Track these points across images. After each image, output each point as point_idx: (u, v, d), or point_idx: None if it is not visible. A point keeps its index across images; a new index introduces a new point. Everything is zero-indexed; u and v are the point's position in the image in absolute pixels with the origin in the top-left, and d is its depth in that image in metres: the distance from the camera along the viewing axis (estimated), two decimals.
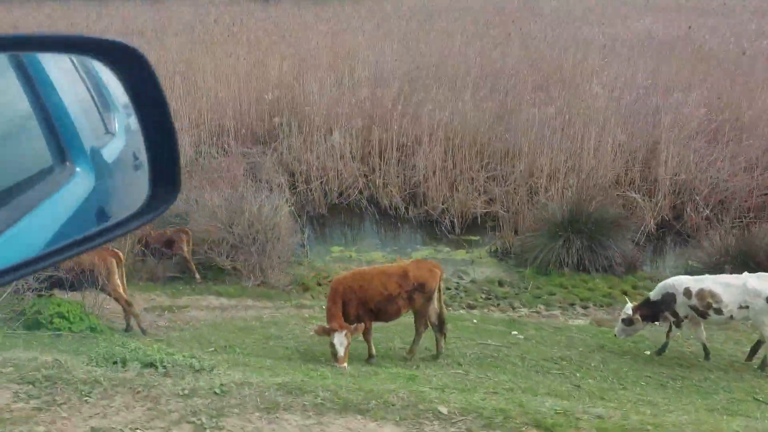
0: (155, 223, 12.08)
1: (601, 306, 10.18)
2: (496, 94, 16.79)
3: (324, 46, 22.18)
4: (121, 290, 7.30)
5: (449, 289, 11.07)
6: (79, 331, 6.53)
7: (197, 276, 10.91)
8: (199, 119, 17.40)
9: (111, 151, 1.56)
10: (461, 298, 10.65)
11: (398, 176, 15.06)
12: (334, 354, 5.83)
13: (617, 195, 13.10)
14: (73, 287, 7.13)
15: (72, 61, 1.45)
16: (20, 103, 1.31)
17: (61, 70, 1.43)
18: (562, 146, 14.15)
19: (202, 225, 11.35)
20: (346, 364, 5.79)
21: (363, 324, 6.08)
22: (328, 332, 5.89)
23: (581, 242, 11.24)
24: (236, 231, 10.38)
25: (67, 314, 6.55)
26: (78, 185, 1.41)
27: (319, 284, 11.44)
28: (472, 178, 14.50)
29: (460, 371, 5.99)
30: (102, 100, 1.56)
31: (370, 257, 12.82)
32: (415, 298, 6.35)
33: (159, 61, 18.85)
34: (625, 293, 10.58)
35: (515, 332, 7.99)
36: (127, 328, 7.49)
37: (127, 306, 7.32)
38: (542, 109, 14.67)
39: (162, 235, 11.01)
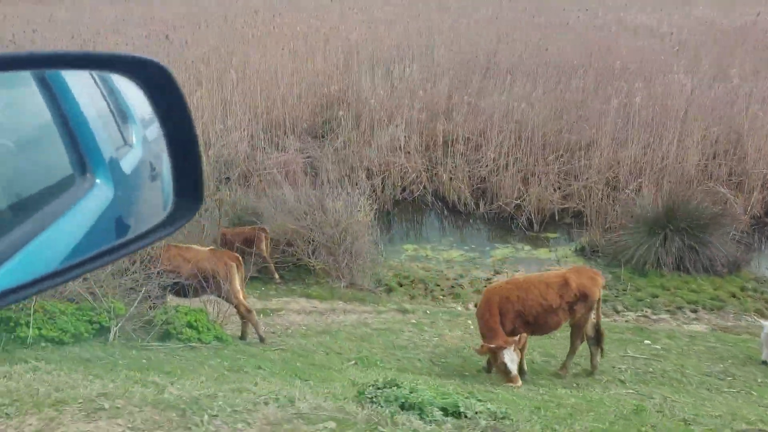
0: (230, 221, 11.63)
1: (712, 310, 9.60)
2: (557, 85, 16.14)
3: (366, 38, 21.56)
4: (241, 296, 6.83)
5: None
6: (209, 342, 6.07)
7: (276, 276, 10.44)
8: (251, 114, 16.88)
9: (129, 162, 1.57)
10: None
11: (465, 170, 14.50)
12: (507, 372, 5.30)
13: (705, 190, 12.48)
14: (195, 294, 6.68)
15: (91, 74, 1.46)
16: (42, 114, 1.32)
17: (80, 82, 1.44)
18: (641, 138, 13.53)
19: (279, 223, 10.90)
20: (520, 382, 5.29)
21: (524, 336, 5.56)
22: (495, 351, 5.35)
23: (681, 240, 10.66)
24: (325, 231, 9.89)
25: (195, 324, 6.09)
26: (98, 196, 1.43)
27: (401, 285, 10.95)
28: (546, 172, 13.92)
29: (631, 391, 5.47)
30: (120, 112, 1.57)
31: (447, 256, 12.31)
32: (576, 310, 5.80)
33: (202, 56, 18.29)
34: (733, 296, 10.02)
35: (648, 341, 7.45)
36: (243, 337, 7.00)
37: (246, 313, 6.83)
38: (620, 99, 14.03)
39: (240, 233, 10.56)
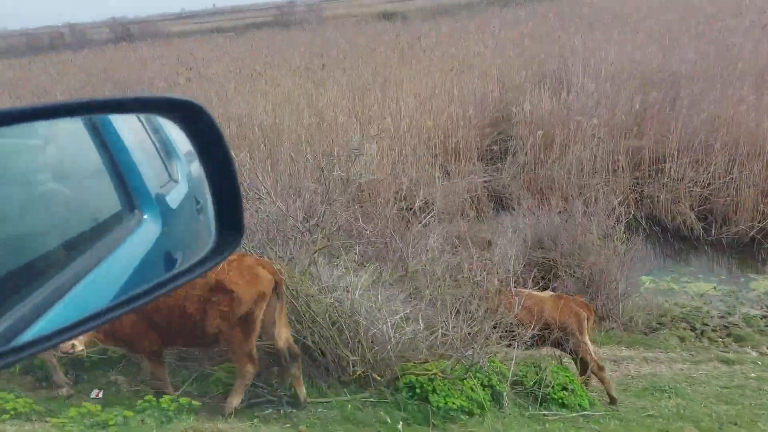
0: None
1: None
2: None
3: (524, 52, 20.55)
4: (591, 350, 5.75)
5: None
6: (586, 408, 5.00)
7: None
8: (421, 138, 16.12)
9: (175, 197, 1.63)
10: None
11: (683, 190, 12.89)
12: None
13: None
14: (538, 346, 5.68)
15: (138, 118, 1.53)
16: (91, 156, 1.41)
17: (126, 123, 1.52)
18: None
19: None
20: None
21: None
22: None
23: None
24: (593, 264, 8.70)
25: (568, 386, 5.06)
26: (146, 232, 1.50)
27: (661, 324, 9.52)
28: None
29: None
30: (165, 149, 1.64)
31: (695, 288, 10.72)
32: None
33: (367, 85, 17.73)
34: None
35: None
36: (612, 402, 5.83)
37: (598, 370, 5.73)
38: None
39: None
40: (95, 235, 1.30)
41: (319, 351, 4.44)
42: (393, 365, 4.27)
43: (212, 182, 1.41)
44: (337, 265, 4.95)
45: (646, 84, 16.35)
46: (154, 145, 1.62)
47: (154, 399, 3.58)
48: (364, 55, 21.12)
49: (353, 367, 4.27)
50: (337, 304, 4.44)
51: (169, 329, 4.30)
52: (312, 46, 24.23)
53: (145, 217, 1.51)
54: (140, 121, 1.55)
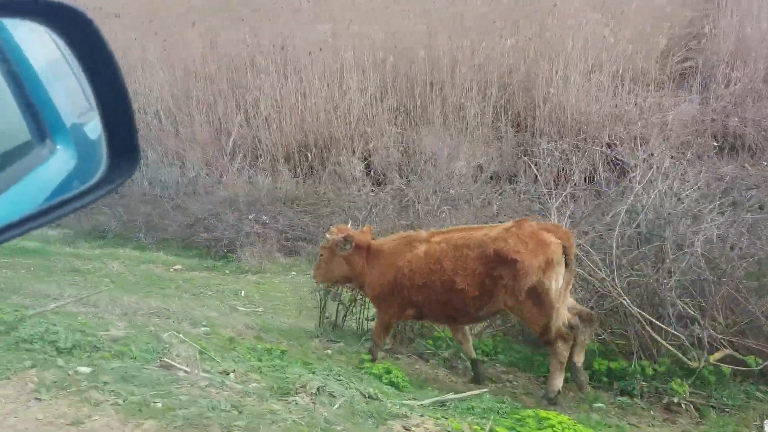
0: None
1: None
2: None
3: None
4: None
5: None
6: None
7: None
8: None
9: (94, 127, 1.49)
10: None
11: None
12: None
13: None
14: None
15: (51, 37, 1.39)
16: None
17: (34, 44, 1.43)
18: None
19: None
20: None
21: None
22: None
23: None
24: None
25: None
26: (58, 163, 1.43)
27: None
28: None
29: None
30: (84, 75, 1.51)
31: None
32: None
33: None
34: None
35: None
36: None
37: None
38: None
39: None
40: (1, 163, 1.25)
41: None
42: None
43: (100, 101, 1.30)
44: None
45: None
46: (72, 69, 1.45)
47: None
48: None
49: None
50: None
51: (433, 306, 4.33)
52: None
53: (58, 147, 1.45)
54: (53, 40, 1.38)
